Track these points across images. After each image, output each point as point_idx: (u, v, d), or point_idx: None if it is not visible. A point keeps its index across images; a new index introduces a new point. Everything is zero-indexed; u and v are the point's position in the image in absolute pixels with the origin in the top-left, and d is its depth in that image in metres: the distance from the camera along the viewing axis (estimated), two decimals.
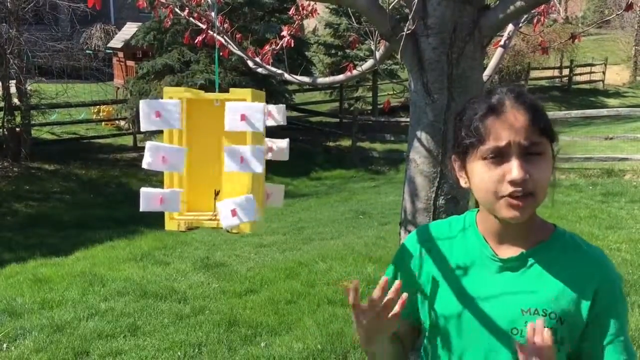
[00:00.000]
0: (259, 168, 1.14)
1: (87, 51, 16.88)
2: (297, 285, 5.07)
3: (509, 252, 1.17)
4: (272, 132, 1.31)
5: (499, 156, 1.08)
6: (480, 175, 1.10)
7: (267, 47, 2.44)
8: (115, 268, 5.79)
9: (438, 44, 1.62)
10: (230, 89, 1.23)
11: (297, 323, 4.28)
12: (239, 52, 2.19)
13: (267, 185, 1.34)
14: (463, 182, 1.18)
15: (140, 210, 1.24)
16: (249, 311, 4.53)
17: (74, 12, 13.57)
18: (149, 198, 1.21)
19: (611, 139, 11.58)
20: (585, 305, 1.12)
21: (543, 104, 1.15)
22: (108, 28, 18.79)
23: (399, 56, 1.62)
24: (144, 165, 1.19)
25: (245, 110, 1.13)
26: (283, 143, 1.32)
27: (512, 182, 1.06)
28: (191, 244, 6.73)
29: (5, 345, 4.00)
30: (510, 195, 1.07)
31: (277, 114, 1.26)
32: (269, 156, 1.33)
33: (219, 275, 5.47)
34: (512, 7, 1.54)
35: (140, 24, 15.15)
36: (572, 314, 1.12)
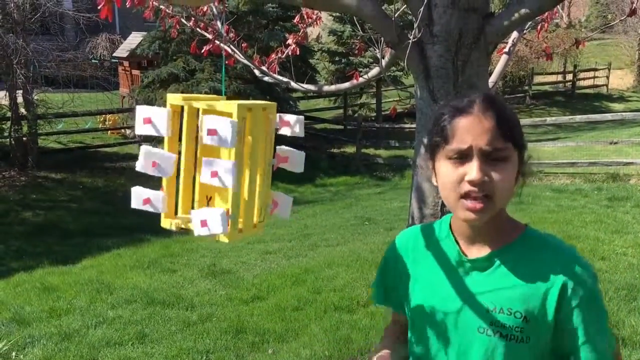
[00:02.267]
0: (229, 183, 1.15)
1: (93, 60, 16.98)
2: (303, 291, 5.08)
3: (479, 252, 1.20)
4: (280, 140, 1.33)
5: (462, 157, 1.11)
6: (444, 174, 1.14)
7: (273, 56, 2.47)
8: (123, 276, 5.81)
9: (444, 52, 1.64)
10: (219, 101, 1.24)
11: (304, 330, 4.28)
12: (245, 61, 2.22)
13: (275, 194, 1.35)
14: (434, 181, 1.21)
15: (131, 207, 1.29)
16: (256, 318, 4.54)
17: (80, 22, 13.68)
18: (137, 197, 1.27)
19: (616, 143, 11.57)
20: (551, 304, 1.12)
21: (514, 111, 1.17)
22: (113, 37, 18.91)
23: (405, 63, 1.64)
24: (137, 167, 1.24)
25: (214, 125, 1.15)
26: (299, 155, 1.33)
27: (470, 182, 1.09)
28: (197, 252, 6.74)
29: (14, 354, 4.02)
30: (468, 196, 1.10)
31: (295, 125, 1.27)
32: (285, 167, 1.34)
33: (226, 283, 5.49)
34: (516, 14, 1.56)
35: (145, 33, 15.26)
36: (538, 313, 1.13)
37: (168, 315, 4.65)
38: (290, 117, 1.29)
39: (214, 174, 1.17)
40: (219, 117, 1.16)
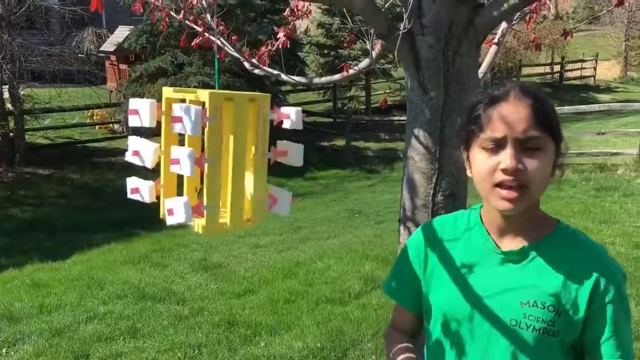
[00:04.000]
0: (187, 170, 1.16)
1: (80, 55, 16.83)
2: (295, 284, 5.09)
3: (511, 245, 1.19)
4: (275, 134, 1.33)
5: (497, 146, 1.09)
6: (478, 163, 1.13)
7: (263, 49, 2.46)
8: (113, 271, 5.79)
9: (434, 42, 1.64)
10: (198, 91, 1.25)
11: (296, 322, 4.29)
12: (235, 54, 2.21)
13: (273, 190, 1.34)
14: (469, 171, 1.19)
15: (128, 196, 1.31)
16: (248, 311, 4.55)
17: (65, 16, 13.54)
18: (129, 186, 1.30)
19: (603, 134, 11.66)
20: (583, 300, 1.13)
21: (551, 102, 1.16)
22: (100, 32, 18.74)
23: (395, 55, 1.64)
24: (126, 157, 1.29)
25: (179, 113, 1.16)
26: (298, 148, 1.33)
27: (504, 170, 1.08)
28: (188, 246, 6.73)
29: (4, 350, 4.00)
30: (502, 184, 1.09)
31: (294, 117, 1.26)
32: (284, 161, 1.33)
33: (217, 277, 5.49)
34: (506, 5, 1.57)
35: (132, 27, 15.13)
36: (570, 308, 1.13)
37: (159, 309, 4.64)
38: (290, 110, 1.28)
39: (175, 162, 1.17)
40: (188, 105, 1.17)
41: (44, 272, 5.97)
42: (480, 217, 1.24)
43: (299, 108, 1.28)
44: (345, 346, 3.84)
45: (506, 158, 1.07)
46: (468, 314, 1.20)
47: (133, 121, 1.24)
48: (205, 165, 1.20)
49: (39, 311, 4.71)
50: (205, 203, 1.21)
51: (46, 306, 4.81)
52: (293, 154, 1.32)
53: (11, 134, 12.37)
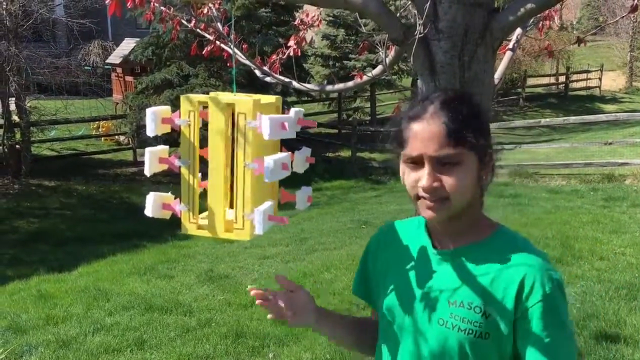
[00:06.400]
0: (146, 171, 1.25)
1: (86, 67, 16.93)
2: None
3: (446, 246, 1.23)
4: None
5: (415, 162, 1.13)
6: (404, 176, 1.17)
7: (274, 57, 2.45)
8: (119, 282, 5.76)
9: (449, 48, 1.63)
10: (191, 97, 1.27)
11: (305, 333, 4.25)
12: (247, 62, 2.20)
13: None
14: (403, 180, 1.23)
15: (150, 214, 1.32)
16: (256, 322, 4.50)
17: (72, 28, 13.64)
18: (156, 202, 1.30)
19: (610, 144, 11.62)
20: (509, 303, 1.12)
21: (478, 109, 1.16)
22: (106, 44, 18.85)
23: (410, 60, 1.62)
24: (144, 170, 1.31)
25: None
26: (302, 153, 1.32)
27: (422, 188, 1.12)
28: (194, 257, 6.70)
29: None
30: (424, 197, 1.13)
31: (287, 123, 1.22)
32: (294, 169, 1.30)
33: (224, 288, 5.45)
34: (522, 9, 1.55)
35: (138, 39, 15.22)
36: (498, 311, 1.13)
37: (166, 321, 4.60)
38: (291, 112, 1.25)
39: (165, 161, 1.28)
40: (150, 108, 1.23)
41: (50, 284, 5.95)
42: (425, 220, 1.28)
43: (300, 109, 1.26)
44: (354, 357, 3.80)
45: (422, 178, 1.11)
46: (402, 312, 1.23)
47: (149, 130, 1.25)
48: (180, 168, 1.24)
49: (46, 322, 4.69)
50: (179, 203, 1.26)
51: (52, 317, 4.78)
52: (297, 161, 1.31)
53: (17, 146, 12.42)
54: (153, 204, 1.24)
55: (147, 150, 1.24)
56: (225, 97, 1.23)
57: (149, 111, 1.22)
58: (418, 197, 1.15)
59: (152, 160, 1.24)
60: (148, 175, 1.28)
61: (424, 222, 1.28)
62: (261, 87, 10.63)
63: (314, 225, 8.86)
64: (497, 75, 2.01)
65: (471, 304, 1.15)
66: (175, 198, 1.28)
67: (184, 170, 1.24)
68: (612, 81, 26.63)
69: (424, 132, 1.11)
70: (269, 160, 1.14)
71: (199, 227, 1.26)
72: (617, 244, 5.95)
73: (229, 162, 1.25)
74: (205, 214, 1.25)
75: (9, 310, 5.03)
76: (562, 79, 25.09)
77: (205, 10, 2.39)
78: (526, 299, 1.12)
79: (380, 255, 1.35)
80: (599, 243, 5.97)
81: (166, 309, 4.88)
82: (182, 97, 1.22)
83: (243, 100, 1.19)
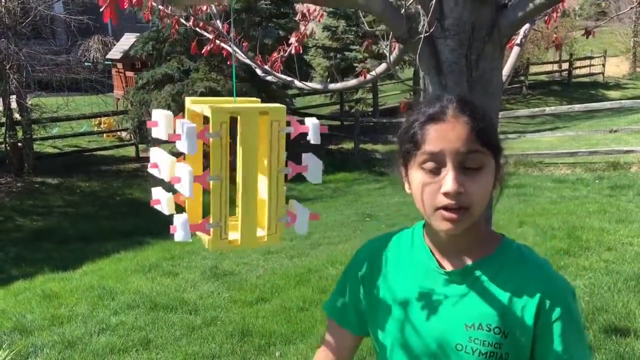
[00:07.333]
0: (186, 191, 1.13)
1: (86, 63, 16.87)
2: (308, 292, 5.02)
3: (454, 264, 1.15)
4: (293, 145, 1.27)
5: (436, 166, 1.05)
6: (417, 185, 1.08)
7: (275, 55, 2.40)
8: (124, 280, 5.74)
9: (456, 46, 1.57)
10: (214, 99, 1.22)
11: (311, 330, 4.23)
12: (247, 61, 2.15)
13: (292, 206, 1.28)
14: (407, 188, 1.15)
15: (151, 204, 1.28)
16: (262, 320, 4.48)
17: (71, 25, 13.58)
18: (153, 196, 1.25)
19: (615, 131, 11.53)
20: (529, 319, 1.09)
21: (489, 114, 1.11)
22: (106, 39, 18.78)
23: (416, 59, 1.57)
24: (148, 168, 1.26)
25: (178, 130, 1.14)
26: (317, 164, 1.27)
27: (446, 194, 1.04)
28: (198, 253, 6.68)
29: None
30: (445, 208, 1.05)
31: (312, 130, 1.20)
32: (305, 175, 1.26)
33: (229, 285, 5.42)
34: (531, 5, 1.50)
35: (138, 34, 15.15)
36: (517, 329, 1.09)
37: (172, 319, 4.58)
38: (308, 122, 1.22)
39: (176, 180, 1.13)
40: (183, 121, 1.13)
41: (54, 283, 5.93)
42: (423, 235, 1.20)
43: (317, 121, 1.22)
44: (362, 355, 3.77)
45: (447, 181, 1.03)
46: (414, 339, 1.16)
47: (154, 132, 1.20)
48: (210, 183, 1.16)
49: (51, 323, 4.67)
50: (210, 221, 1.17)
51: (58, 317, 4.77)
52: (312, 169, 1.26)
53: (19, 144, 12.40)
54: (183, 225, 1.14)
55: (186, 169, 1.12)
56: (229, 104, 1.19)
57: (188, 127, 1.15)
58: (434, 209, 1.07)
59: (191, 179, 1.18)
60: (167, 180, 1.22)
61: (420, 237, 1.21)
62: (262, 82, 10.56)
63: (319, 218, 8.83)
64: (505, 72, 1.96)
65: (490, 325, 1.09)
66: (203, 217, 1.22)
67: (214, 186, 1.16)
68: (616, 67, 26.44)
69: (448, 132, 1.04)
70: (314, 161, 1.17)
71: (230, 242, 1.22)
72: (624, 234, 5.90)
73: (262, 170, 1.22)
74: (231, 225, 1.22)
75: (14, 311, 5.02)
76: (565, 66, 24.92)
77: (204, 8, 2.34)
78: (548, 313, 1.08)
79: (370, 276, 1.25)
80: (606, 233, 5.92)
81: (171, 307, 4.86)
82: (211, 109, 1.13)
83: (276, 107, 1.19)
